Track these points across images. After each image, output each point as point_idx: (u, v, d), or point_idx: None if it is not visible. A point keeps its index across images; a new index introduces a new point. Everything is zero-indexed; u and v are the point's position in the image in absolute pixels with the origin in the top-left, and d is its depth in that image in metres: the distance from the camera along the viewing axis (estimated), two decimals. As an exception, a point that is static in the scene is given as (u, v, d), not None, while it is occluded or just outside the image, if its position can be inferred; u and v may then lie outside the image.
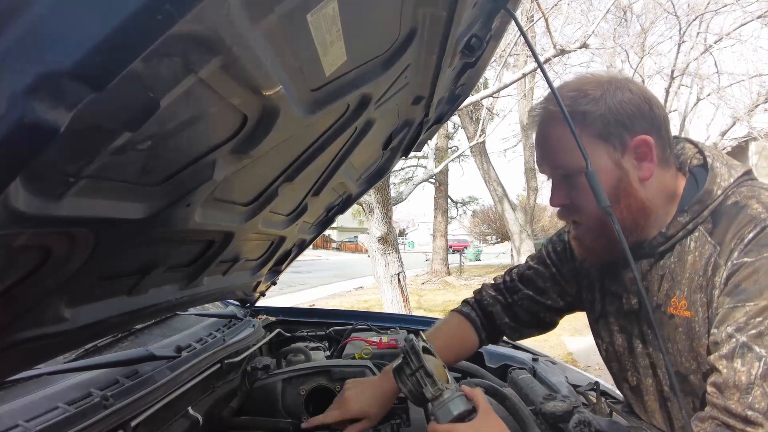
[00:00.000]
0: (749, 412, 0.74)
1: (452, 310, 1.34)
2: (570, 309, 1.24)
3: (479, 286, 1.36)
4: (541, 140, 0.98)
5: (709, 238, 0.88)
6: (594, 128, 0.89)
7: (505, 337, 1.32)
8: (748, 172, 0.92)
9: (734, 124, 10.96)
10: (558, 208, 1.00)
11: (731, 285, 0.82)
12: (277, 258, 1.64)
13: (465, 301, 1.33)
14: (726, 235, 0.85)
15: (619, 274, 1.04)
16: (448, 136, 16.60)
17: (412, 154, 1.79)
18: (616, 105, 0.89)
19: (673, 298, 0.92)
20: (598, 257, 1.02)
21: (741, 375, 0.76)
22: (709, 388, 0.81)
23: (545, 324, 1.27)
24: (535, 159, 1.02)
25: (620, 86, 0.91)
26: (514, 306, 1.25)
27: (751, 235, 0.82)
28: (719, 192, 0.89)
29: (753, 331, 0.77)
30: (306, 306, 7.31)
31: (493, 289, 1.30)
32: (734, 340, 0.78)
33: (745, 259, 0.81)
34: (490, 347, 1.83)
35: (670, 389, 0.97)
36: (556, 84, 0.93)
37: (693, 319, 0.89)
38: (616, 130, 0.89)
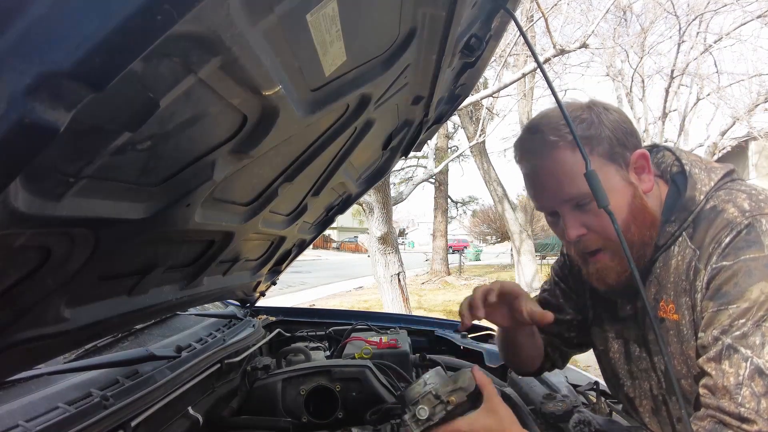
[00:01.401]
0: (742, 410, 0.76)
1: None
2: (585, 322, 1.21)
3: None
4: (544, 175, 0.93)
5: (690, 243, 0.90)
6: (602, 150, 0.90)
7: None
8: (729, 173, 0.94)
9: (734, 123, 10.97)
10: (576, 243, 0.95)
11: (713, 289, 0.83)
12: (277, 258, 1.64)
13: None
14: (705, 239, 0.87)
15: None
16: (448, 136, 16.61)
17: (411, 154, 1.79)
18: (613, 125, 0.91)
19: (662, 301, 0.94)
20: (627, 277, 0.95)
21: (729, 377, 0.78)
22: (702, 390, 0.83)
23: (573, 343, 1.22)
24: (535, 199, 0.97)
25: (605, 108, 0.93)
26: (540, 330, 1.21)
27: (728, 239, 0.83)
28: (701, 197, 0.91)
29: (737, 333, 0.78)
30: (306, 306, 7.30)
31: None
32: (720, 342, 0.80)
33: (724, 263, 0.82)
34: (490, 347, 1.83)
35: (666, 392, 0.98)
36: (554, 84, 0.93)
37: (681, 322, 0.90)
38: (620, 150, 0.91)
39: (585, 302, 1.17)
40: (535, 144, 0.93)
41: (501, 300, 1.05)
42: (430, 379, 0.92)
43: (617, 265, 0.94)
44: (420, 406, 0.89)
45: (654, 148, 1.05)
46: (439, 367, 0.97)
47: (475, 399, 0.90)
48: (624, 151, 0.91)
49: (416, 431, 0.89)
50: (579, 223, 0.93)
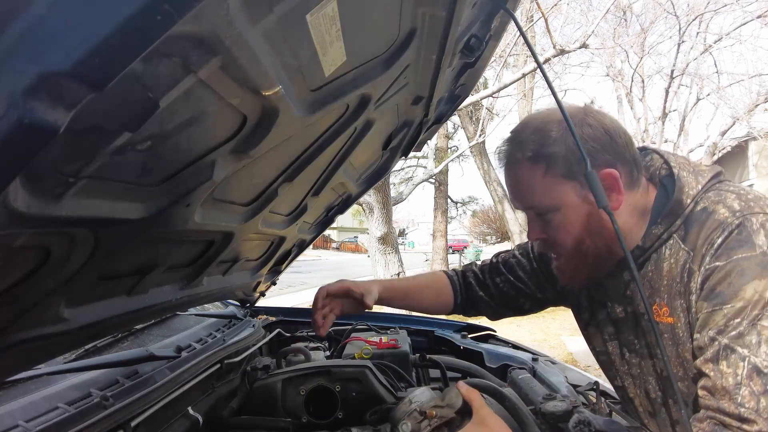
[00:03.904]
0: (742, 410, 0.76)
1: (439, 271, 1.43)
2: (551, 302, 1.27)
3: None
4: (511, 182, 1.00)
5: (683, 245, 0.90)
6: (558, 169, 0.91)
7: (486, 319, 1.38)
8: (717, 175, 0.95)
9: (734, 123, 10.98)
10: (537, 242, 1.04)
11: (707, 289, 0.84)
12: (277, 258, 1.64)
13: (452, 270, 1.40)
14: (697, 240, 0.87)
15: (602, 283, 1.05)
16: (448, 136, 16.59)
17: (412, 154, 1.79)
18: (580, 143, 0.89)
19: (655, 305, 0.94)
20: (582, 283, 1.06)
21: (728, 377, 0.78)
22: (701, 392, 0.83)
23: (521, 309, 1.30)
24: (510, 199, 1.06)
25: (578, 123, 0.90)
26: (488, 286, 1.30)
27: (720, 239, 0.84)
28: (689, 201, 0.91)
29: (733, 333, 0.78)
30: (306, 306, 7.30)
31: (477, 266, 1.36)
32: (717, 343, 0.80)
33: (717, 264, 0.83)
34: (490, 347, 1.83)
35: (664, 395, 0.98)
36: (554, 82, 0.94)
37: (676, 325, 0.90)
38: (579, 168, 0.89)
39: (565, 296, 1.19)
40: (504, 155, 1.00)
41: (337, 297, 1.26)
42: (416, 398, 0.95)
43: (569, 270, 1.02)
44: (404, 422, 0.91)
45: (642, 150, 1.05)
46: (427, 387, 0.99)
47: (465, 414, 0.91)
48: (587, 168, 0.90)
49: None
50: (539, 229, 1.00)
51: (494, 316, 1.35)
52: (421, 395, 0.95)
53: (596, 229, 0.93)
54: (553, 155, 0.91)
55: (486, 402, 0.92)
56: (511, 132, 1.01)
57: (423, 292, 1.34)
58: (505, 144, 1.00)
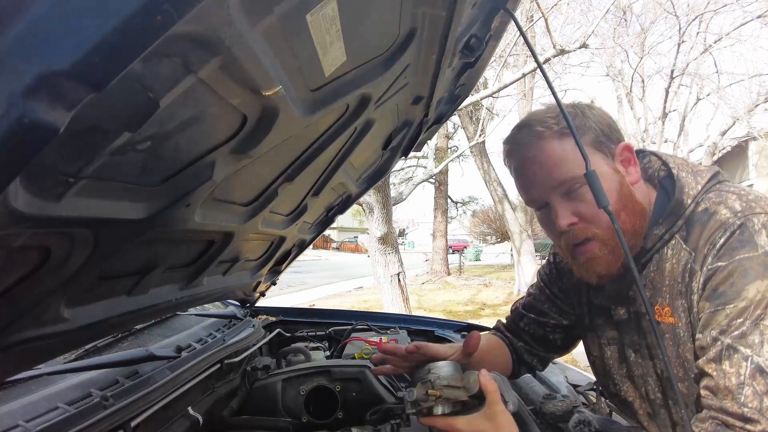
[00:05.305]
0: (745, 410, 0.76)
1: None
2: (576, 328, 1.24)
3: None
4: (532, 165, 0.94)
5: (684, 246, 0.90)
6: (589, 137, 0.93)
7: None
8: (716, 175, 0.95)
9: (734, 123, 10.98)
10: (566, 233, 0.94)
11: (709, 289, 0.84)
12: (277, 258, 1.64)
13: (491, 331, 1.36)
14: (699, 241, 0.88)
15: (604, 287, 1.05)
16: (448, 136, 16.60)
17: (412, 154, 1.79)
18: (597, 119, 0.95)
19: (657, 305, 0.94)
20: (617, 270, 0.96)
21: (731, 377, 0.78)
22: (703, 392, 0.83)
23: (555, 345, 1.26)
24: (525, 191, 0.98)
25: (588, 106, 0.98)
26: (521, 333, 1.27)
27: (722, 240, 0.84)
28: (689, 201, 0.92)
29: (736, 333, 0.79)
30: (306, 306, 7.30)
31: (503, 323, 1.35)
32: (719, 343, 0.80)
33: (719, 264, 0.83)
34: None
35: (664, 396, 0.98)
36: (555, 85, 0.94)
37: (677, 325, 0.90)
38: (605, 140, 0.94)
39: (575, 308, 1.19)
40: (522, 137, 0.96)
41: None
42: (436, 369, 0.95)
43: (607, 254, 0.93)
44: (412, 389, 0.92)
45: (640, 152, 1.06)
46: (454, 363, 0.98)
47: (480, 401, 0.91)
48: (609, 142, 0.95)
49: (407, 410, 0.93)
50: (569, 212, 0.93)
51: (541, 364, 1.29)
52: (441, 368, 0.95)
53: (629, 201, 0.92)
54: (581, 126, 0.93)
55: (507, 393, 0.90)
56: (520, 122, 0.99)
57: (492, 353, 1.26)
58: (520, 129, 0.97)
